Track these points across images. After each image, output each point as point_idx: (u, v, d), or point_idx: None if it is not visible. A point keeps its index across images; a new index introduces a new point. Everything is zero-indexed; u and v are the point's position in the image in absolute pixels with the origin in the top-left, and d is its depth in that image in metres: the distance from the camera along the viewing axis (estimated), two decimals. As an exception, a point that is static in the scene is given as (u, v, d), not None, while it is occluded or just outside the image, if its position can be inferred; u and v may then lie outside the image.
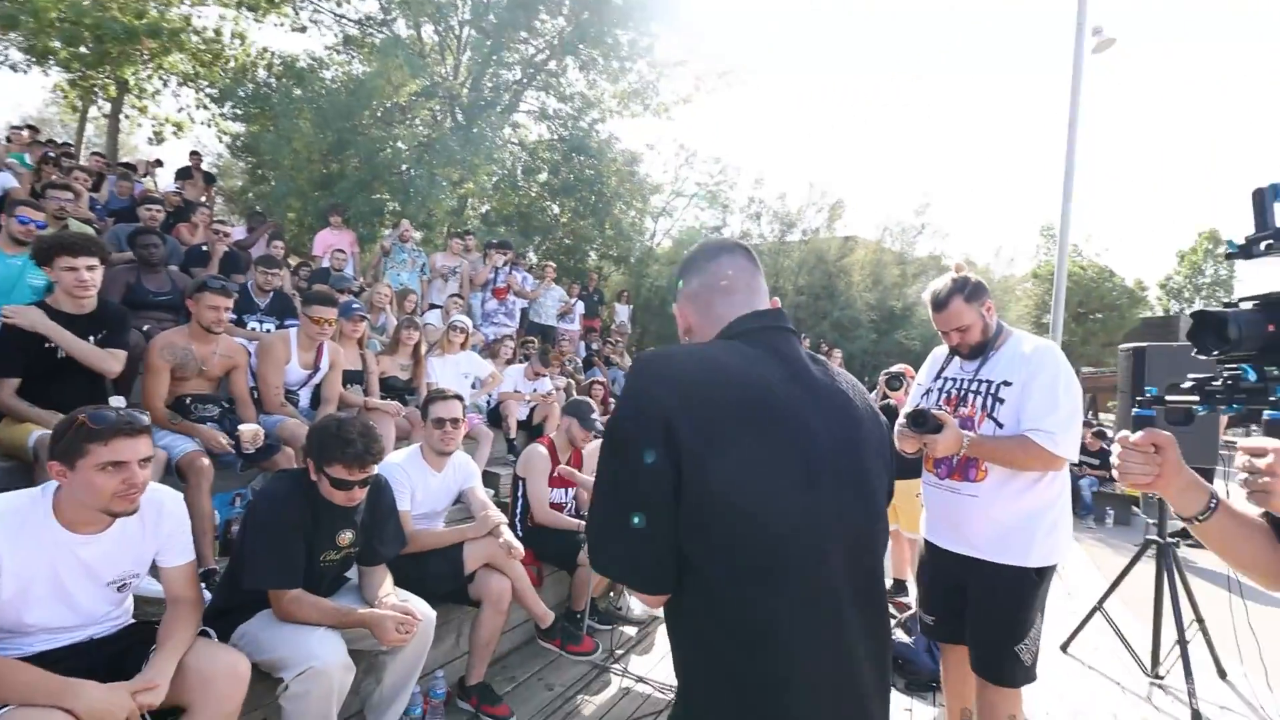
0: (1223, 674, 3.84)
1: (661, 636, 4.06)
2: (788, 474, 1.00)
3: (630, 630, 4.07)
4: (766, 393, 1.04)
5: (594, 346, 10.22)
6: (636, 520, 0.99)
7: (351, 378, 4.42)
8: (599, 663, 3.48)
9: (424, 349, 5.16)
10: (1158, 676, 3.73)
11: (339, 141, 10.35)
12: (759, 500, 0.98)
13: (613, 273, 16.52)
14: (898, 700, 3.39)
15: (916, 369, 4.65)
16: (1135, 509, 8.26)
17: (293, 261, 7.34)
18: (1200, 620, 3.72)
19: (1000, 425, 2.21)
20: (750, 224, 16.86)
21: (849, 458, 1.08)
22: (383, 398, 4.60)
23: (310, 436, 2.40)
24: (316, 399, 4.05)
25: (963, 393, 2.35)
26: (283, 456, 3.30)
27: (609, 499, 1.05)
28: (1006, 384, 2.23)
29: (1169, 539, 3.79)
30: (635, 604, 4.26)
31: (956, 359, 2.42)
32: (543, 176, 14.70)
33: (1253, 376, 1.13)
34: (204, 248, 5.30)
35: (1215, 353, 1.18)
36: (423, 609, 2.57)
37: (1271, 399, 1.12)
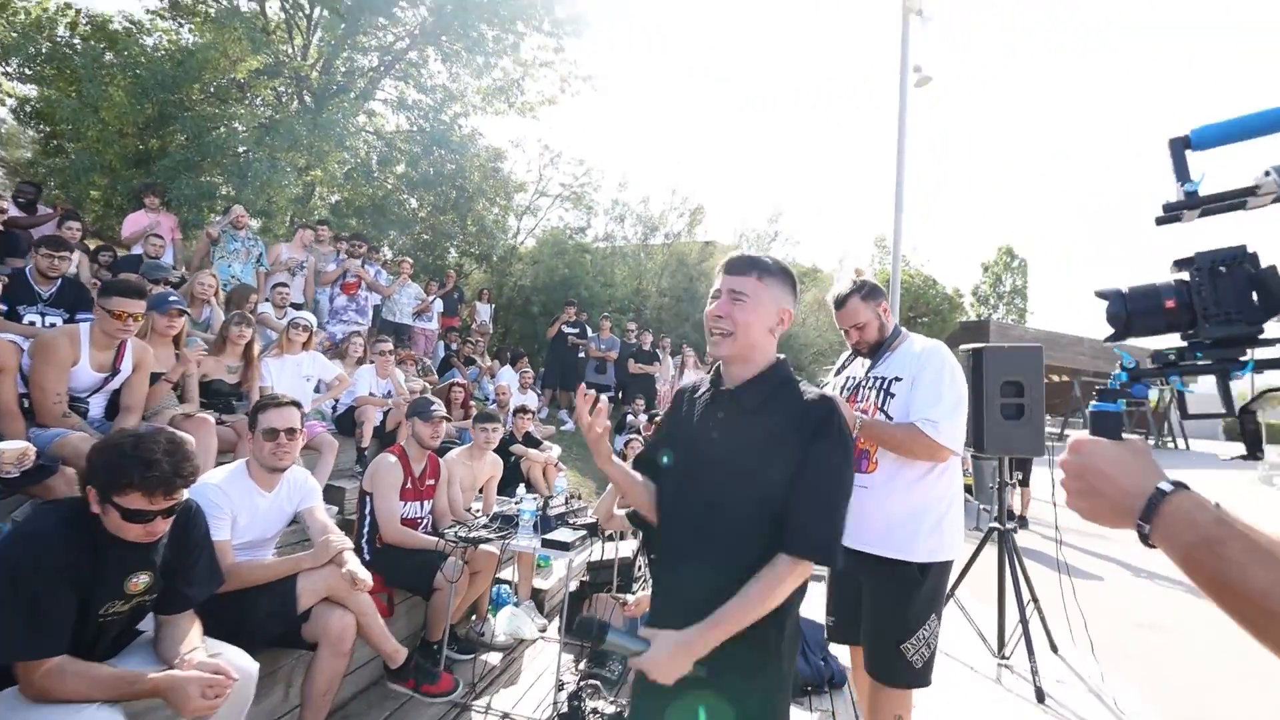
0: (1054, 648, 4.20)
1: (529, 661, 3.79)
2: None
3: (494, 658, 3.76)
4: None
5: (453, 346, 9.75)
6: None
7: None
8: (458, 700, 3.15)
9: (257, 349, 4.56)
10: (1004, 657, 4.02)
11: (160, 115, 9.03)
12: None
13: (474, 270, 15.94)
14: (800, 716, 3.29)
15: None
16: (968, 497, 9.05)
17: (92, 245, 6.30)
18: (1036, 600, 4.06)
19: (890, 418, 2.32)
20: (614, 226, 16.91)
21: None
22: (204, 405, 4.00)
23: (94, 457, 1.87)
24: (114, 409, 3.41)
25: (859, 388, 2.48)
26: (62, 479, 2.69)
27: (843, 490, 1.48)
28: (897, 380, 2.35)
29: (1006, 526, 4.11)
30: (499, 628, 3.94)
31: (858, 359, 2.57)
32: (400, 168, 13.86)
33: (1129, 364, 0.92)
34: (-39, 224, 4.37)
35: (1110, 337, 0.93)
36: (239, 662, 2.12)
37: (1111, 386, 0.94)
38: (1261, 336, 0.81)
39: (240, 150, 10.10)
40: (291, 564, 2.68)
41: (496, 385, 8.22)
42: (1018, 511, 7.99)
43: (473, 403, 7.38)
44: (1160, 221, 0.90)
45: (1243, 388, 0.90)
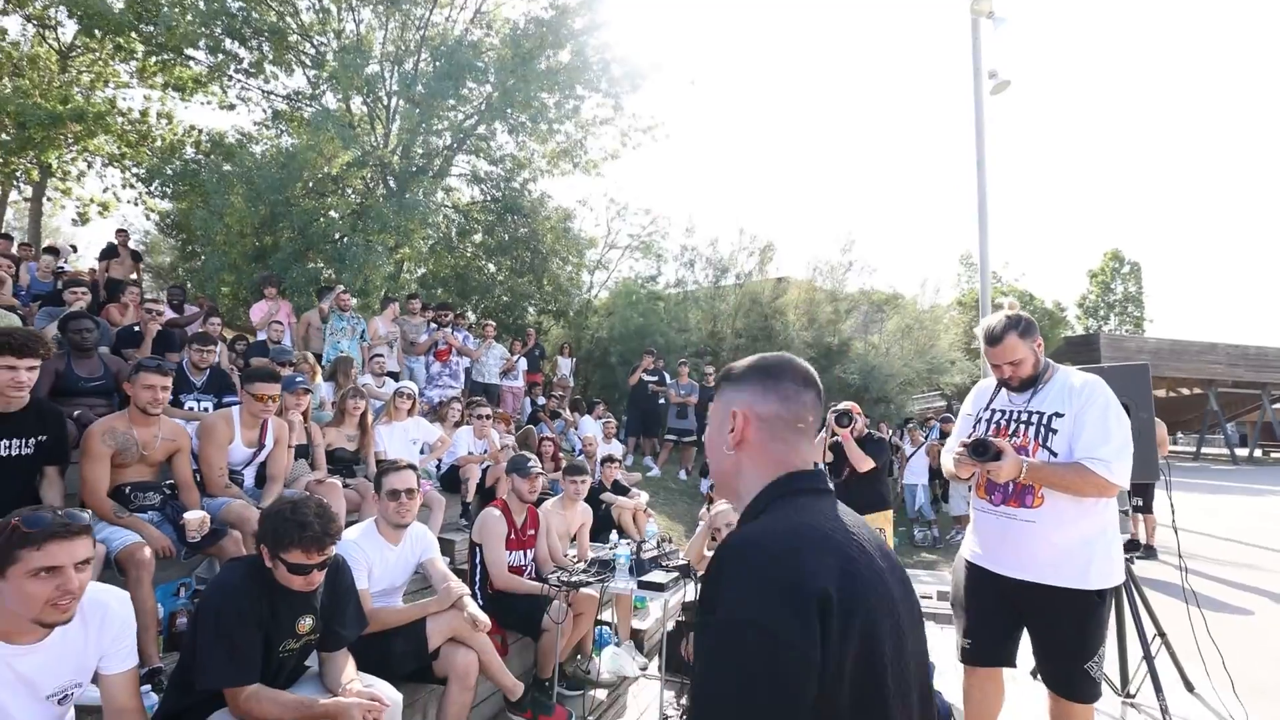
0: (1190, 687, 3.85)
1: (633, 698, 4.00)
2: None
3: (601, 694, 3.99)
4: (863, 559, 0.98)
5: (539, 401, 10.20)
6: None
7: (298, 452, 4.32)
8: (573, 730, 3.40)
9: (370, 418, 5.07)
10: (1129, 695, 3.72)
11: (272, 214, 10.19)
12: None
13: (552, 327, 16.58)
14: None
15: (858, 403, 4.78)
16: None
17: (228, 335, 7.13)
18: (1163, 634, 3.74)
19: (1054, 454, 2.34)
20: (685, 271, 17.21)
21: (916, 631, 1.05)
22: (331, 471, 4.49)
23: (263, 522, 2.32)
24: (261, 478, 3.92)
25: (1012, 424, 2.48)
26: (230, 541, 3.17)
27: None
28: (1058, 415, 2.36)
29: (1125, 554, 3.89)
30: (604, 666, 4.18)
31: (1004, 392, 2.55)
32: (478, 237, 14.80)
33: None
34: (135, 328, 5.12)
35: None
36: (388, 692, 2.48)
37: None
38: None
39: (337, 237, 11.13)
40: (420, 609, 3.04)
41: (583, 436, 8.58)
42: (1143, 540, 7.55)
43: (561, 455, 7.76)
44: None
45: None
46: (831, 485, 1.14)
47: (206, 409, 4.40)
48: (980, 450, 2.30)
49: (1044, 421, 2.38)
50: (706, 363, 12.68)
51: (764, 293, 16.32)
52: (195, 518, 3.01)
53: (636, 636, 4.67)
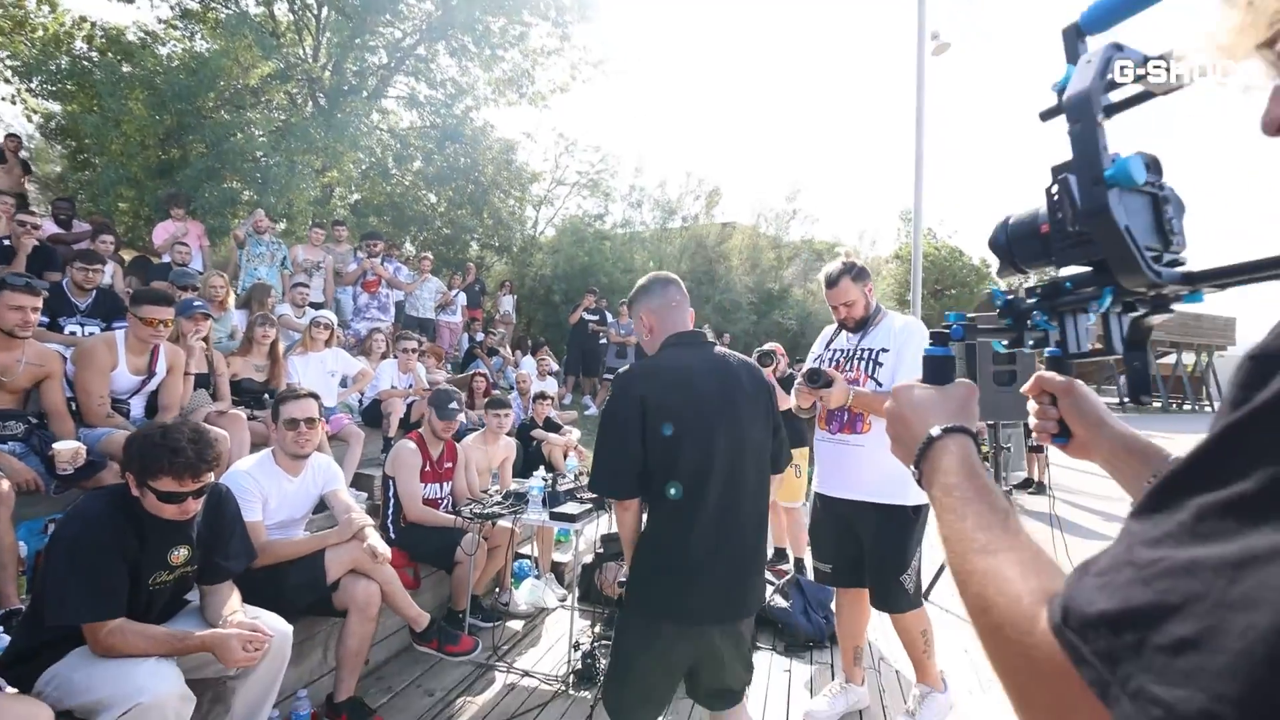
0: None
1: (548, 629, 4.00)
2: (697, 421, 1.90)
3: (516, 625, 3.98)
4: (689, 374, 1.95)
5: (478, 338, 9.97)
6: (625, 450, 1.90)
7: (197, 381, 4.05)
8: (481, 661, 3.37)
9: (281, 348, 4.80)
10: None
11: (180, 125, 9.33)
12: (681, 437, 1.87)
13: (495, 262, 16.16)
14: (777, 662, 3.53)
15: (793, 348, 4.89)
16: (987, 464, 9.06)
17: (127, 257, 6.61)
18: None
19: (879, 384, 2.64)
20: (632, 211, 16.98)
21: (730, 410, 1.94)
22: (236, 402, 4.24)
23: (129, 447, 2.11)
24: (153, 409, 3.66)
25: (848, 359, 2.78)
26: (109, 473, 2.95)
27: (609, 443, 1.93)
28: (884, 350, 2.67)
29: (1004, 487, 4.20)
30: (522, 598, 4.17)
31: (843, 333, 2.85)
32: (416, 165, 14.07)
33: (999, 303, 0.82)
34: (6, 242, 4.64)
35: (1001, 271, 0.82)
36: (276, 624, 2.36)
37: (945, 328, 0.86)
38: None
39: (258, 155, 10.37)
40: (318, 540, 2.92)
41: (518, 374, 8.43)
42: (1036, 477, 7.97)
43: (495, 392, 7.60)
44: (1046, 116, 0.71)
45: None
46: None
47: (91, 334, 4.06)
48: (813, 378, 2.56)
49: (872, 356, 2.70)
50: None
51: (709, 236, 16.26)
52: (66, 448, 2.77)
53: (557, 569, 4.66)
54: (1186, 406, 24.09)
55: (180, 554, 2.21)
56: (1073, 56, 0.69)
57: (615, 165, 16.88)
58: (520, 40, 13.85)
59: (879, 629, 3.49)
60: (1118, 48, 0.61)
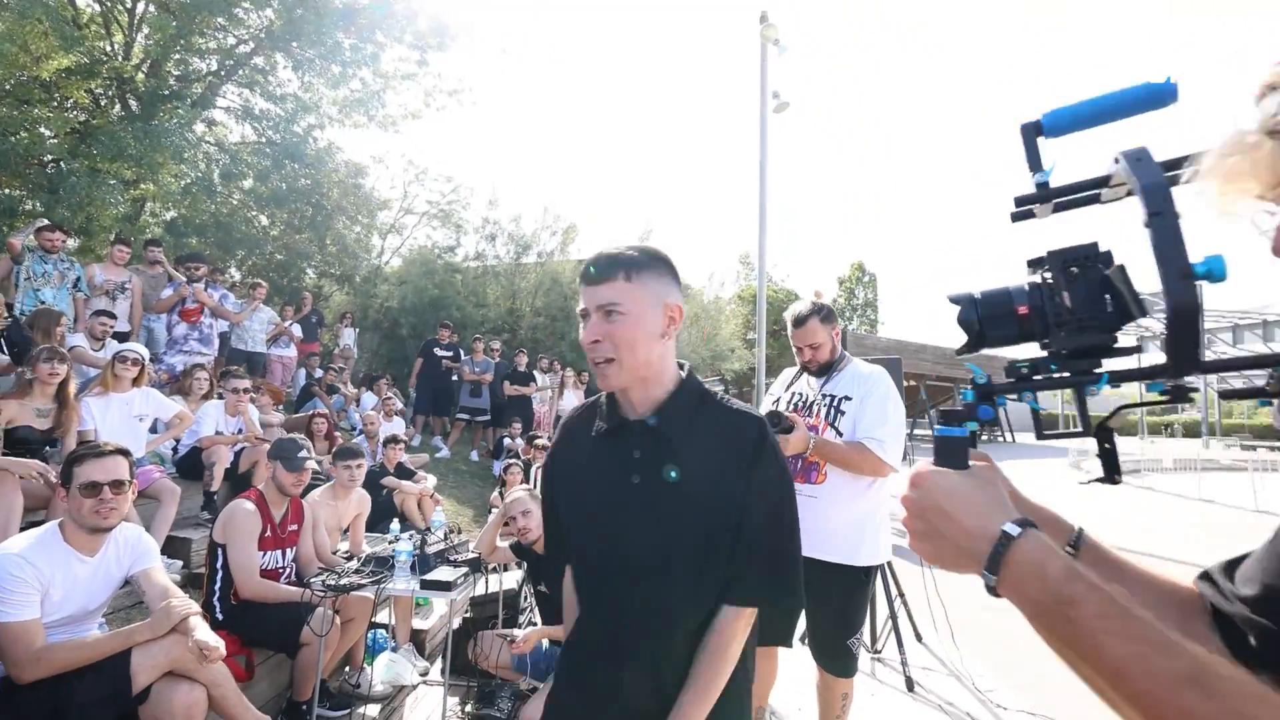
0: (919, 637, 4.55)
1: (410, 710, 3.54)
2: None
3: (372, 710, 3.47)
4: None
5: (315, 374, 9.10)
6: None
7: (-47, 431, 3.24)
8: (330, 761, 2.88)
9: (73, 388, 3.99)
10: (876, 651, 4.32)
11: (-58, 115, 7.77)
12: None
13: (335, 292, 15.03)
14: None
15: None
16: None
17: None
18: (901, 595, 4.37)
19: (840, 434, 2.54)
20: (485, 245, 16.56)
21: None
22: (8, 455, 3.43)
23: None
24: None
25: (809, 404, 2.67)
26: None
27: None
28: (847, 399, 2.56)
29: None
30: (377, 677, 3.65)
31: (805, 376, 2.75)
32: (248, 183, 12.79)
33: (981, 380, 0.79)
34: None
35: (963, 349, 0.81)
36: None
37: (956, 407, 0.80)
38: (1115, 345, 0.71)
39: (48, 160, 8.89)
40: (123, 638, 2.32)
41: (363, 414, 7.74)
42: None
43: (338, 434, 6.89)
44: (1015, 218, 0.79)
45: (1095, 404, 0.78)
46: None
47: None
48: (774, 421, 2.45)
49: (834, 404, 2.60)
50: (503, 339, 12.20)
51: (565, 273, 16.21)
52: None
53: (417, 638, 4.18)
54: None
55: None
56: (1031, 152, 0.77)
57: (468, 196, 16.50)
58: (372, 60, 13.15)
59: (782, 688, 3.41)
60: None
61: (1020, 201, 0.78)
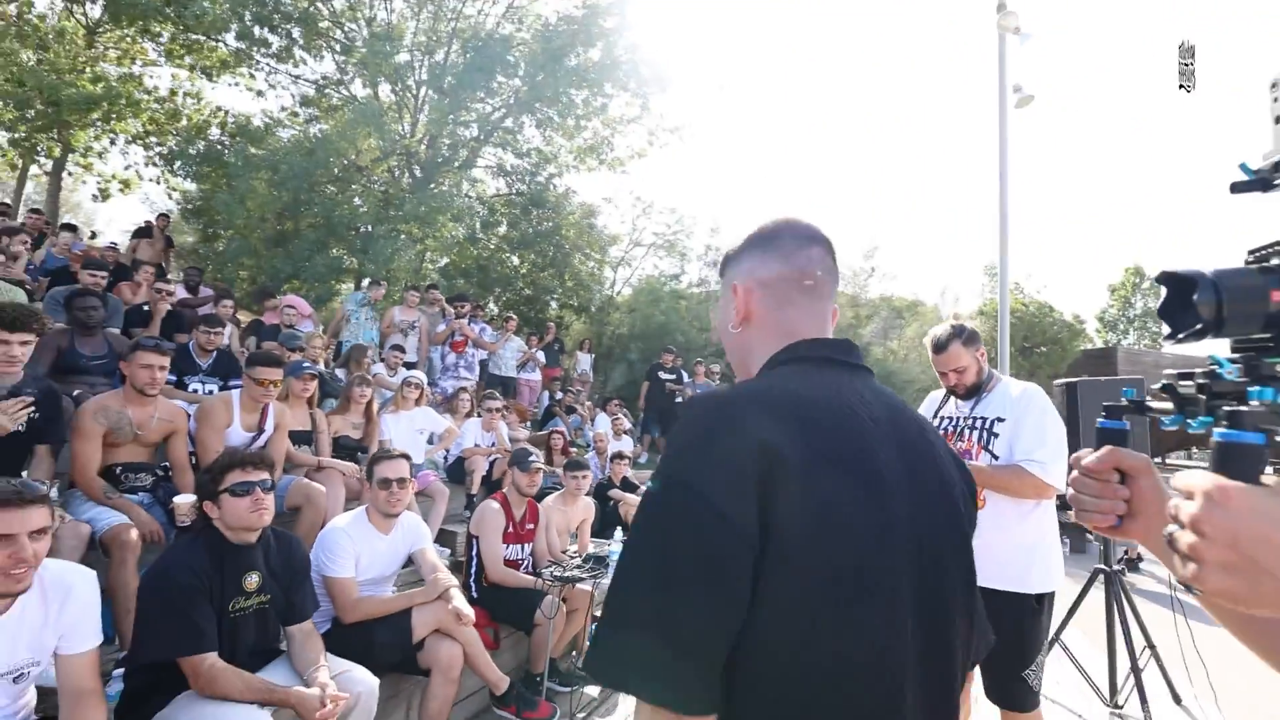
0: (1177, 699, 3.92)
1: (626, 697, 3.92)
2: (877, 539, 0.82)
3: (593, 691, 3.92)
4: (856, 429, 0.85)
5: (557, 396, 10.16)
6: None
7: (301, 438, 4.30)
8: (558, 727, 3.33)
9: (376, 407, 5.04)
10: (1116, 706, 3.80)
11: (294, 200, 10.27)
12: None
13: (574, 322, 16.58)
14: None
15: None
16: (1089, 536, 8.37)
17: (243, 319, 7.18)
18: (1152, 646, 3.83)
19: (995, 457, 2.45)
20: (708, 271, 17.12)
21: (928, 520, 0.89)
22: (334, 458, 4.47)
23: (200, 476, 2.45)
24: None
25: (959, 429, 2.60)
26: (220, 525, 3.15)
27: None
28: (1000, 420, 2.47)
29: (1114, 566, 3.92)
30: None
31: (952, 399, 2.67)
32: (502, 229, 14.80)
33: (1228, 370, 0.70)
34: (145, 307, 5.14)
35: (1184, 336, 0.71)
36: (363, 678, 2.47)
37: (1250, 407, 0.66)
38: None
39: (360, 227, 11.15)
40: (406, 599, 3.00)
41: (595, 433, 8.51)
42: (1133, 554, 7.34)
43: (573, 450, 7.69)
44: (1239, 188, 0.71)
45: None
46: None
47: (211, 392, 4.41)
48: None
49: (986, 426, 2.50)
50: (725, 363, 12.53)
51: (786, 294, 16.15)
52: (186, 501, 2.97)
53: (635, 636, 4.58)
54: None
55: (253, 580, 2.37)
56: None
57: (691, 225, 17.21)
58: (602, 110, 14.52)
59: None
60: None
61: (1264, 172, 0.69)
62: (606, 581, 3.59)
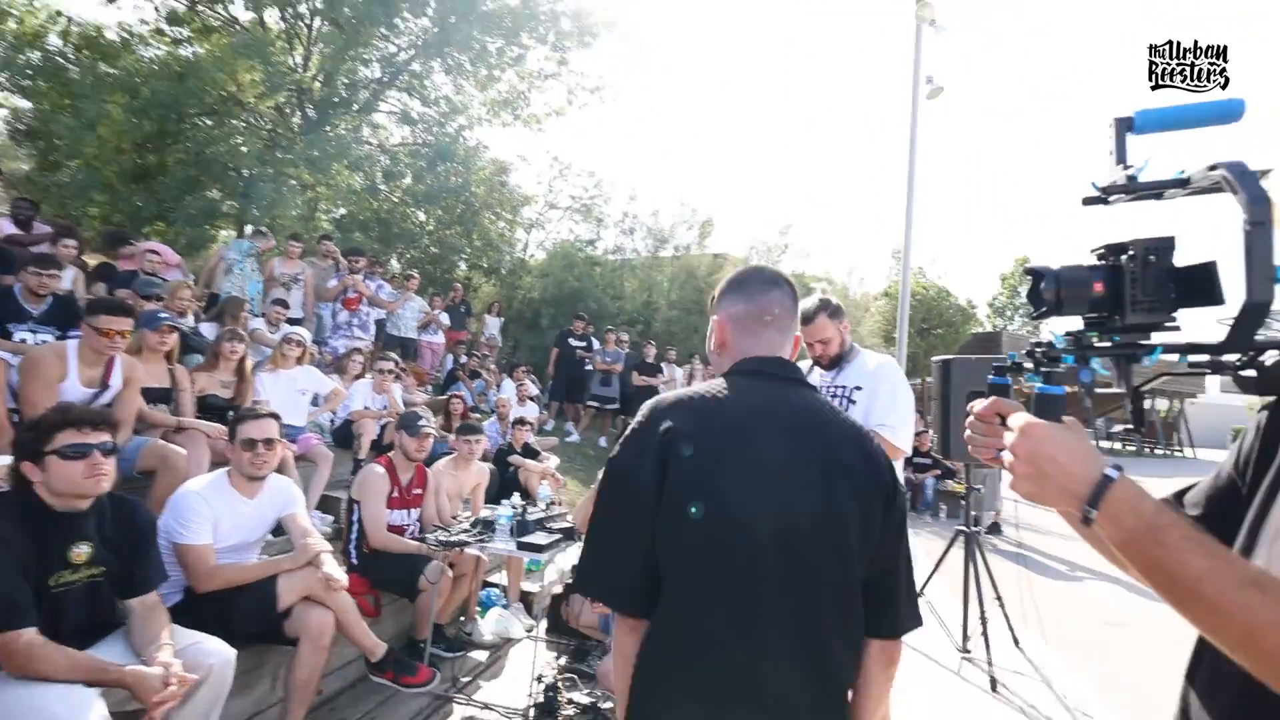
0: (1016, 642, 4.38)
1: (512, 660, 3.83)
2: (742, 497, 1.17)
3: (480, 656, 3.82)
4: (749, 421, 1.21)
5: (461, 360, 9.81)
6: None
7: (158, 396, 3.87)
8: (439, 693, 3.21)
9: (249, 364, 4.62)
10: (965, 650, 4.25)
11: (159, 132, 9.16)
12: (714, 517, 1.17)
13: (483, 284, 16.04)
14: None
15: None
16: (963, 502, 8.98)
17: (93, 262, 6.40)
18: (999, 598, 4.25)
19: None
20: (624, 238, 16.95)
21: (803, 495, 1.16)
22: (200, 419, 4.06)
23: (18, 434, 2.12)
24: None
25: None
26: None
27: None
28: (858, 389, 2.64)
29: (973, 529, 4.40)
30: (487, 628, 3.99)
31: (815, 370, 2.78)
32: (406, 181, 13.97)
33: (1059, 343, 0.93)
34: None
35: (1037, 315, 0.93)
36: (215, 649, 2.25)
37: (1058, 369, 0.94)
38: (1168, 325, 0.84)
39: (243, 169, 10.16)
40: (271, 565, 2.79)
41: (498, 398, 8.27)
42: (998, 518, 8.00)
43: (475, 415, 7.44)
44: (1088, 202, 0.90)
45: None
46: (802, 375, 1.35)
47: (43, 342, 3.87)
48: None
49: (846, 395, 2.66)
50: (638, 331, 12.47)
51: (700, 267, 16.21)
52: (4, 463, 2.58)
53: (526, 599, 4.50)
54: (1159, 451, 24.43)
55: (82, 551, 2.10)
56: (1120, 145, 0.87)
57: (609, 191, 16.87)
58: (518, 62, 13.88)
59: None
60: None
61: (1107, 190, 0.87)
62: (493, 546, 3.46)
